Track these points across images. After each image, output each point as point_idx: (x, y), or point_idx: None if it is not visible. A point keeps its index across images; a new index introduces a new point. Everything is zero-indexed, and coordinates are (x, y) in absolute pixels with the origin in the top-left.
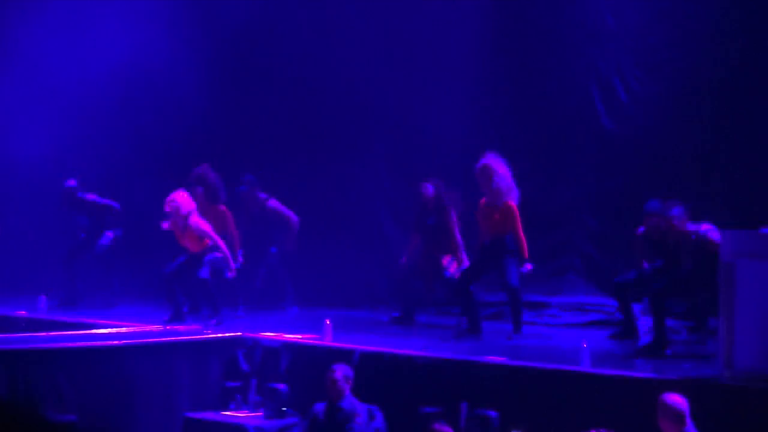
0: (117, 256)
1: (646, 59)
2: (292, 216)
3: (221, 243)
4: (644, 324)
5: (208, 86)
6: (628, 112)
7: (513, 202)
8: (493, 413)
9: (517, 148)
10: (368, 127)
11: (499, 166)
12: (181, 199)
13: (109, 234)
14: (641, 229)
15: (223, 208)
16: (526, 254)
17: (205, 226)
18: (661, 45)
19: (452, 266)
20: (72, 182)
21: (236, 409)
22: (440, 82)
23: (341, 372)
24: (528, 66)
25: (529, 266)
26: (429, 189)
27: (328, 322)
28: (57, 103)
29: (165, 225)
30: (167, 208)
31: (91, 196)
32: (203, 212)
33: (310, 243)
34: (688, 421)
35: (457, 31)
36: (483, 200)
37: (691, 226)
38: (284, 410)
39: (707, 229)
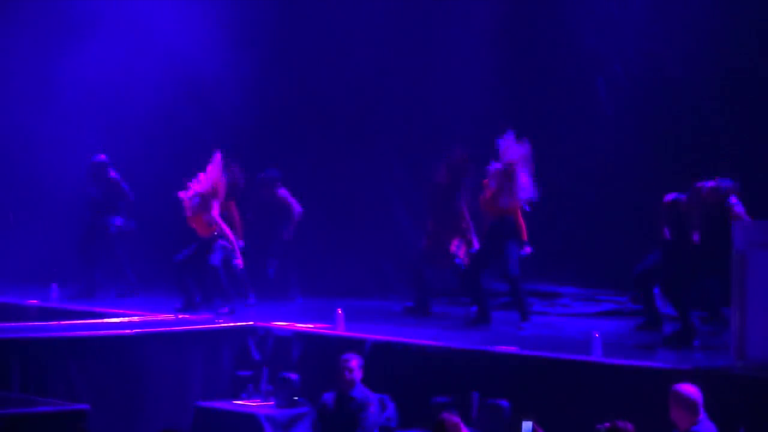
0: (130, 246)
1: (649, 48)
2: (296, 206)
3: (229, 232)
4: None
5: (224, 74)
6: (631, 100)
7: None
8: (504, 403)
9: (526, 136)
10: (380, 116)
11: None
12: (213, 182)
13: (118, 221)
14: (669, 198)
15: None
16: (525, 236)
17: (217, 216)
18: (663, 34)
19: (461, 251)
20: (102, 157)
21: (248, 398)
22: (450, 72)
23: (355, 361)
24: (536, 56)
25: (528, 249)
26: (443, 166)
27: (340, 312)
28: (70, 92)
29: (182, 194)
30: (195, 187)
31: (113, 174)
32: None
33: (321, 233)
34: (702, 411)
35: (467, 23)
36: (486, 181)
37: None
38: (296, 399)
39: (735, 202)
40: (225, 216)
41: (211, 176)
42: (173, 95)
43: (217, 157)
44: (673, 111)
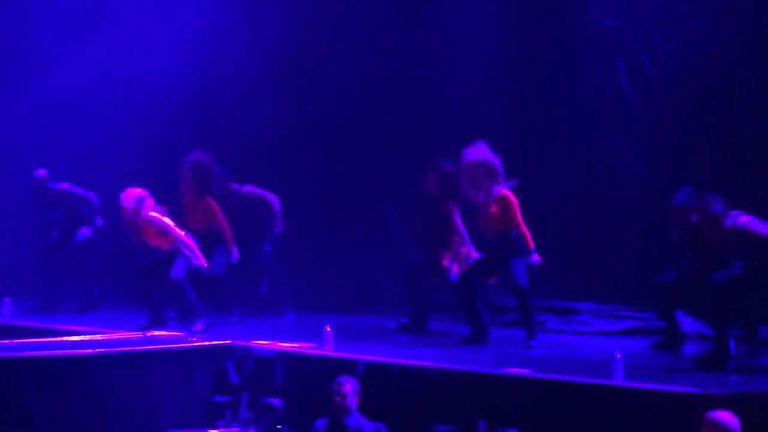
0: (95, 257)
1: (676, 31)
2: (271, 197)
3: (186, 239)
4: (689, 326)
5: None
6: (655, 88)
7: (507, 191)
8: None
9: (534, 135)
10: (375, 125)
11: (480, 156)
12: (130, 195)
13: (85, 231)
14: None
15: (210, 200)
16: (532, 245)
17: (163, 221)
18: (692, 16)
19: (454, 267)
20: (41, 172)
21: (225, 427)
22: (451, 67)
23: (349, 386)
24: (545, 39)
25: (537, 257)
26: (431, 174)
27: (328, 329)
28: (29, 100)
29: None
30: (122, 209)
31: (63, 185)
32: (191, 203)
33: (311, 243)
34: None
35: (471, 8)
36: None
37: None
38: (279, 428)
39: (746, 220)
40: (205, 217)
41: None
42: (143, 95)
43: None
44: (708, 105)
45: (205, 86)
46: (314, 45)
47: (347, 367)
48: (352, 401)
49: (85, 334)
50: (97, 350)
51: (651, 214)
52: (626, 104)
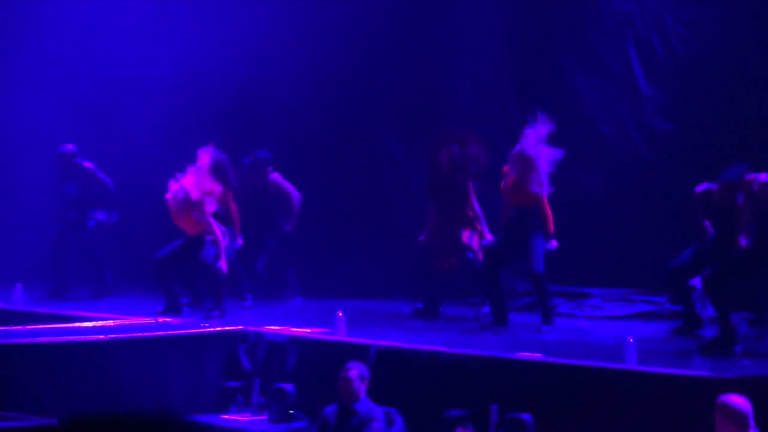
0: (107, 242)
1: (690, 16)
2: (294, 192)
3: (219, 232)
4: (706, 313)
5: (212, 60)
6: (667, 72)
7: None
8: (526, 417)
9: (544, 119)
10: (382, 107)
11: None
12: (202, 183)
13: (99, 215)
14: (700, 188)
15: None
16: (552, 229)
17: (212, 222)
18: (704, 0)
19: (474, 242)
20: (70, 146)
21: (237, 412)
22: (460, 52)
23: (357, 371)
24: (559, 23)
25: (554, 243)
26: (443, 152)
27: (340, 315)
28: (42, 81)
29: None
30: (179, 187)
31: (88, 164)
32: None
33: (320, 227)
34: (752, 424)
35: None
36: (507, 168)
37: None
38: (291, 413)
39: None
40: (222, 211)
41: (200, 174)
42: (158, 79)
43: (205, 154)
44: (720, 90)
45: (205, 68)
46: (316, 33)
47: (359, 352)
48: (359, 387)
49: (97, 320)
50: (109, 336)
51: (662, 199)
52: (637, 89)
